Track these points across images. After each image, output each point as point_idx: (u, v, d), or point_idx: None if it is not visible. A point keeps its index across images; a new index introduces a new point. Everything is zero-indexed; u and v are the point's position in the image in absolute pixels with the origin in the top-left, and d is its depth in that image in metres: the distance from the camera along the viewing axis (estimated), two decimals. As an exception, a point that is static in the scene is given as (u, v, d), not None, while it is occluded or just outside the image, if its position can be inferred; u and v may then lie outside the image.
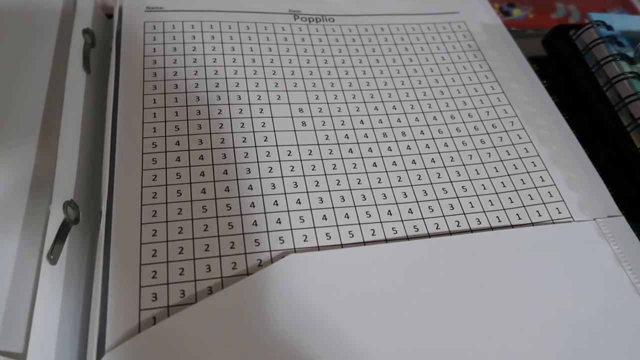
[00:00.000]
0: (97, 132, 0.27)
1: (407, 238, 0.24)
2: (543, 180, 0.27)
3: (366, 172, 0.26)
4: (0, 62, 0.26)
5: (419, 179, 0.26)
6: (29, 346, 0.19)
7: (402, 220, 0.24)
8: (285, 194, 0.24)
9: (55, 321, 0.20)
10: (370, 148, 0.27)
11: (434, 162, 0.27)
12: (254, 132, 0.26)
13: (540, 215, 0.25)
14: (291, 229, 0.23)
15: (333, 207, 0.24)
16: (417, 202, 0.25)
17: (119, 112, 0.26)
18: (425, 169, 0.26)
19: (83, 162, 0.25)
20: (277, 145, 0.26)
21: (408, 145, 0.27)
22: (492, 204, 0.26)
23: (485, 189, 0.26)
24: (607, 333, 0.22)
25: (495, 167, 0.27)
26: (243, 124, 0.26)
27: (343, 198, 0.25)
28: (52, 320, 0.20)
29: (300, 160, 0.26)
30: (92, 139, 0.26)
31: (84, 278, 0.22)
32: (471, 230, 0.24)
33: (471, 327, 0.21)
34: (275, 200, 0.24)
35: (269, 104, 0.28)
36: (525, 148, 0.28)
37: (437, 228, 0.24)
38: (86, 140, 0.26)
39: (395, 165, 0.26)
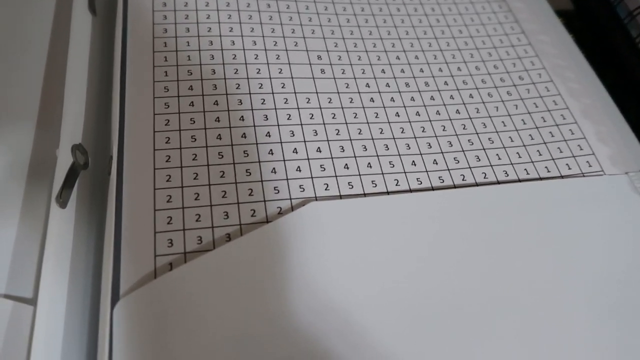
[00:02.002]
0: (104, 75, 0.25)
1: (432, 189, 0.23)
2: (573, 134, 0.26)
3: (389, 122, 0.25)
4: (3, 1, 0.25)
5: (443, 130, 0.25)
6: (39, 291, 0.18)
7: (426, 171, 0.23)
8: (304, 141, 0.23)
9: (65, 266, 0.19)
10: (392, 98, 0.25)
11: (459, 113, 0.26)
12: (270, 78, 0.25)
13: (570, 169, 0.24)
14: (312, 177, 0.22)
15: (355, 156, 0.23)
16: (442, 153, 0.24)
17: (127, 56, 0.24)
18: (450, 120, 0.25)
19: (91, 107, 0.24)
20: (295, 93, 0.25)
21: (432, 96, 0.26)
22: (519, 157, 0.24)
23: (512, 141, 0.25)
24: (637, 287, 0.21)
25: (522, 120, 0.26)
26: (259, 70, 0.25)
27: (365, 147, 0.23)
28: (62, 265, 0.19)
29: (320, 108, 0.24)
30: (99, 82, 0.25)
31: (95, 224, 0.21)
32: (498, 182, 0.23)
33: (499, 280, 0.21)
34: (295, 148, 0.23)
35: (286, 50, 0.26)
36: (553, 101, 0.27)
37: (463, 180, 0.23)
38: (93, 83, 0.24)
39: (419, 115, 0.25)
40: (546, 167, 0.24)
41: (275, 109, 0.24)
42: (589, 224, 0.23)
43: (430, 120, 0.25)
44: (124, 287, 0.18)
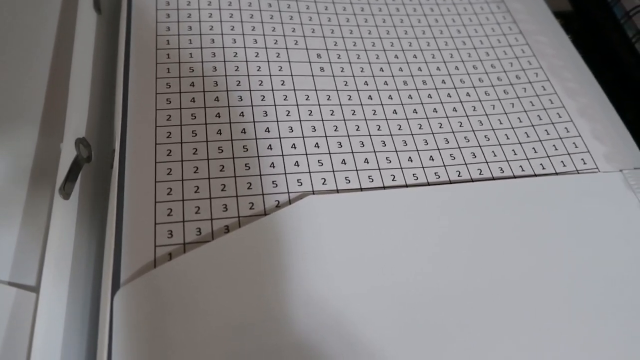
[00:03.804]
0: (108, 71, 0.26)
1: (428, 184, 0.23)
2: (568, 132, 0.26)
3: (386, 119, 0.25)
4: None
5: (440, 127, 0.25)
6: (42, 279, 0.18)
7: (423, 167, 0.24)
8: (303, 137, 0.23)
9: (68, 255, 0.19)
10: (390, 95, 0.26)
11: (456, 110, 0.26)
12: (270, 76, 0.25)
13: (564, 166, 0.25)
14: (309, 172, 0.22)
15: (352, 152, 0.23)
16: (439, 149, 0.24)
17: (131, 53, 0.25)
18: (447, 117, 0.26)
19: (95, 102, 0.24)
20: (294, 90, 0.25)
21: (429, 94, 0.26)
22: (515, 154, 0.25)
23: (508, 138, 0.25)
24: (632, 285, 0.22)
25: (519, 118, 0.26)
26: (259, 67, 0.26)
27: (362, 143, 0.24)
28: (65, 254, 0.19)
29: (319, 105, 0.25)
30: (103, 77, 0.25)
31: (98, 215, 0.22)
32: (494, 179, 0.24)
33: (494, 275, 0.21)
34: (293, 144, 0.23)
35: (286, 48, 0.27)
36: (550, 99, 0.27)
37: (459, 175, 0.24)
38: (97, 80, 0.25)
39: (416, 113, 0.25)
40: (541, 164, 0.25)
41: (275, 105, 0.24)
42: (583, 221, 0.23)
43: (427, 118, 0.25)
44: (124, 276, 0.19)
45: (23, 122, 0.22)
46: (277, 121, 0.24)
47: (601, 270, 0.22)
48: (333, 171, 0.23)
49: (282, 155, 0.23)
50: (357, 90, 0.26)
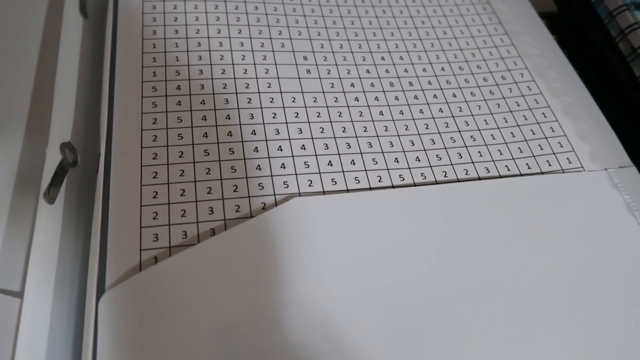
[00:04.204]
0: (94, 76, 0.26)
1: (415, 185, 0.23)
2: (553, 131, 0.26)
3: (372, 120, 0.25)
4: (-6, 3, 0.25)
5: (426, 128, 0.25)
6: (26, 284, 0.18)
7: (409, 168, 0.24)
8: (289, 139, 0.23)
9: (53, 259, 0.19)
10: (376, 97, 0.26)
11: (442, 112, 0.26)
12: (257, 78, 0.25)
13: (550, 165, 0.25)
14: (296, 174, 0.22)
15: (339, 154, 0.23)
16: (425, 150, 0.24)
17: (117, 56, 0.25)
18: (433, 118, 0.26)
19: (80, 106, 0.24)
20: (281, 92, 0.25)
21: (415, 95, 0.27)
22: (501, 154, 0.25)
23: (494, 138, 0.25)
24: (617, 282, 0.22)
25: (504, 118, 0.26)
26: (246, 70, 0.26)
27: (349, 145, 0.24)
28: (50, 258, 0.19)
29: (305, 107, 0.25)
30: (89, 82, 0.25)
31: (83, 220, 0.22)
32: (479, 179, 0.24)
33: (479, 275, 0.21)
34: (280, 146, 0.23)
35: (273, 51, 0.27)
36: (535, 99, 0.27)
37: (445, 176, 0.24)
38: (83, 84, 0.25)
39: (403, 114, 0.26)
40: (527, 163, 0.25)
41: (261, 107, 0.24)
42: (568, 220, 0.23)
43: (413, 119, 0.26)
44: (109, 280, 0.19)
45: (8, 126, 0.22)
46: (264, 123, 0.24)
47: (588, 269, 0.22)
48: (319, 173, 0.23)
49: (269, 158, 0.23)
50: (344, 92, 0.26)
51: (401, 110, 0.26)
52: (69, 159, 0.22)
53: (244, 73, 0.25)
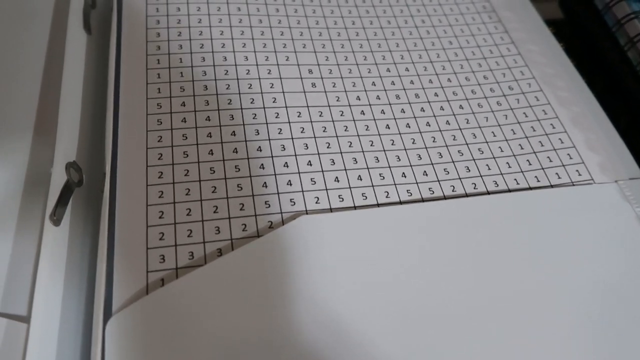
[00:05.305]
0: (99, 94, 0.26)
1: (422, 200, 0.23)
2: (562, 142, 0.26)
3: (379, 135, 0.25)
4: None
5: (433, 142, 0.25)
6: (32, 308, 0.18)
7: (417, 183, 0.23)
8: (295, 155, 0.23)
9: (59, 283, 0.19)
10: (382, 110, 0.26)
11: (449, 124, 0.26)
12: (262, 93, 0.25)
13: (559, 178, 0.24)
14: (302, 191, 0.22)
15: (345, 169, 0.23)
16: (432, 164, 0.24)
17: (121, 73, 0.25)
18: (440, 131, 0.25)
19: (85, 125, 0.24)
20: (286, 107, 0.25)
21: (422, 107, 0.26)
22: (509, 166, 0.25)
23: (502, 151, 0.25)
24: (628, 296, 0.21)
25: (512, 130, 0.26)
26: (251, 85, 0.25)
27: (355, 160, 0.24)
28: (56, 282, 0.19)
29: (311, 122, 0.25)
30: (94, 101, 0.25)
31: (89, 241, 0.22)
32: (488, 193, 0.24)
33: (490, 290, 0.21)
34: (286, 162, 0.23)
35: (277, 65, 0.26)
36: (543, 110, 0.27)
37: (453, 190, 0.23)
38: (88, 102, 0.25)
39: (409, 127, 0.25)
40: (536, 176, 0.24)
41: (267, 123, 0.24)
42: (579, 233, 0.23)
43: (420, 132, 0.25)
44: (116, 304, 0.18)
45: (12, 146, 0.22)
46: (269, 139, 0.24)
47: (599, 283, 0.22)
48: (326, 189, 0.23)
49: (275, 175, 0.23)
50: (350, 105, 0.26)
51: (407, 124, 0.26)
52: (74, 179, 0.22)
53: (249, 88, 0.25)
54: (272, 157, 0.23)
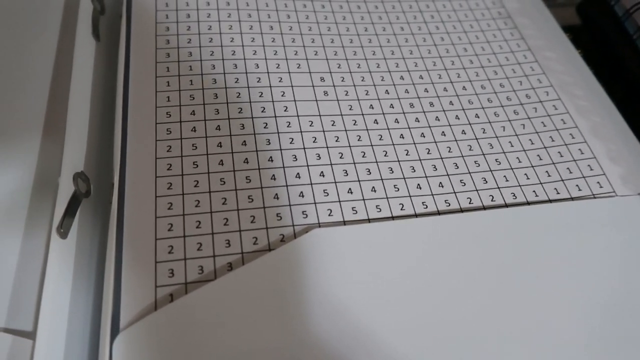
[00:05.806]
0: (107, 102, 0.25)
1: (438, 212, 0.22)
2: (582, 153, 0.25)
3: (393, 144, 0.24)
4: (7, 28, 0.25)
5: (449, 152, 0.24)
6: (38, 324, 0.18)
7: (432, 195, 0.23)
8: (307, 166, 0.23)
9: (66, 298, 0.19)
10: (396, 119, 0.25)
11: (465, 133, 0.25)
12: (273, 101, 0.25)
13: (580, 190, 0.24)
14: (315, 203, 0.22)
15: (359, 180, 0.23)
16: (448, 175, 0.23)
17: (130, 80, 0.24)
18: (456, 140, 0.25)
19: (94, 134, 0.24)
20: (298, 116, 0.24)
21: (437, 117, 0.26)
22: (528, 178, 0.24)
23: (520, 162, 0.24)
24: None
25: (530, 140, 0.25)
26: (262, 93, 0.25)
27: (369, 171, 0.23)
28: (62, 297, 0.19)
29: (323, 131, 0.24)
30: (102, 109, 0.25)
31: (96, 254, 0.21)
32: (506, 205, 0.23)
33: (507, 305, 0.20)
34: (298, 173, 0.22)
35: (289, 72, 0.26)
36: (562, 119, 0.26)
37: (470, 202, 0.23)
38: (96, 110, 0.24)
39: (424, 137, 0.25)
40: (555, 188, 0.24)
41: (278, 132, 0.24)
42: (601, 247, 0.22)
43: (435, 142, 0.25)
44: (124, 320, 0.18)
45: (20, 155, 0.22)
46: (281, 149, 0.23)
47: (623, 297, 0.21)
48: (339, 201, 0.22)
49: (287, 186, 0.22)
50: (362, 114, 0.25)
51: (422, 133, 0.25)
52: (81, 190, 0.21)
53: (260, 96, 0.25)
54: (283, 167, 0.23)
